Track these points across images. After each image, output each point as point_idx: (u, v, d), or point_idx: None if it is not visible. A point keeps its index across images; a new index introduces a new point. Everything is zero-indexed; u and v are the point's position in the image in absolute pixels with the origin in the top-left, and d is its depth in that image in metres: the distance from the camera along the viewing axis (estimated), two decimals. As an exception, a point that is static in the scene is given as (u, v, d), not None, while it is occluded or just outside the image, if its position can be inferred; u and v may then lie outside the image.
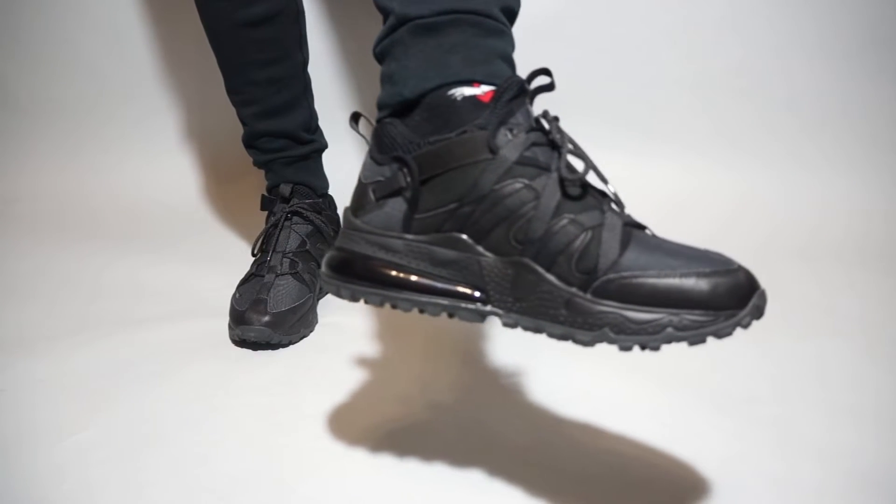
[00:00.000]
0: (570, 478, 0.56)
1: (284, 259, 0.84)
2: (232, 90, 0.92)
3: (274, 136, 0.92)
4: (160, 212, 1.26)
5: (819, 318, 0.85)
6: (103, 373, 0.71)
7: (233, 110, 0.94)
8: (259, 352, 0.76)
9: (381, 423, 0.63)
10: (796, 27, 1.19)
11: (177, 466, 0.57)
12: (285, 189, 0.91)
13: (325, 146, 0.99)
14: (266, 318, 0.76)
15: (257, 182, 0.98)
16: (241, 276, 0.85)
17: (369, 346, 0.77)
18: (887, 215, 1.14)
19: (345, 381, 0.70)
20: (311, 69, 0.95)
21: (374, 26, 0.54)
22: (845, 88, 1.20)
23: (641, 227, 0.48)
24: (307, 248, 0.87)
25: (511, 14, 0.55)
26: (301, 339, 0.80)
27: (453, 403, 0.66)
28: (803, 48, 1.20)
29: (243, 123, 0.93)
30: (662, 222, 1.15)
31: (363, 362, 0.74)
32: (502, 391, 0.68)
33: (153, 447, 0.59)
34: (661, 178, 1.24)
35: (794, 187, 1.20)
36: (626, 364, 0.72)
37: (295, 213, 0.90)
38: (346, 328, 0.82)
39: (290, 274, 0.83)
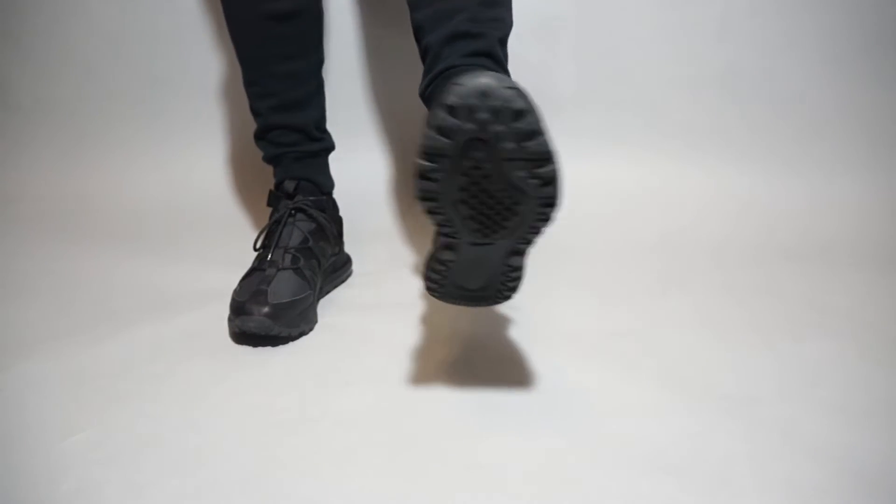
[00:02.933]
0: (571, 478, 0.55)
1: (286, 254, 0.84)
2: (250, 82, 0.93)
3: (287, 130, 0.93)
4: (160, 211, 1.26)
5: (817, 318, 0.85)
6: (103, 373, 0.71)
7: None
8: (259, 350, 0.76)
9: (380, 423, 0.62)
10: (794, 29, 1.19)
11: (177, 466, 0.56)
12: (290, 185, 0.91)
13: (333, 147, 0.99)
14: (266, 310, 0.75)
15: (261, 181, 0.98)
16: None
17: (369, 347, 0.77)
18: (882, 216, 1.14)
19: (344, 382, 0.69)
20: (322, 73, 0.96)
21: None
22: (842, 90, 1.21)
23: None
24: (309, 244, 0.87)
25: None
26: (301, 334, 0.79)
27: (454, 405, 0.66)
28: (801, 50, 1.20)
29: (257, 115, 0.94)
30: (661, 221, 1.16)
31: (363, 363, 0.73)
32: (504, 393, 0.68)
33: (153, 447, 0.59)
34: (661, 177, 1.23)
35: (790, 188, 1.20)
36: (626, 363, 0.73)
37: (299, 209, 0.89)
38: (345, 328, 0.81)
39: (292, 269, 0.82)
